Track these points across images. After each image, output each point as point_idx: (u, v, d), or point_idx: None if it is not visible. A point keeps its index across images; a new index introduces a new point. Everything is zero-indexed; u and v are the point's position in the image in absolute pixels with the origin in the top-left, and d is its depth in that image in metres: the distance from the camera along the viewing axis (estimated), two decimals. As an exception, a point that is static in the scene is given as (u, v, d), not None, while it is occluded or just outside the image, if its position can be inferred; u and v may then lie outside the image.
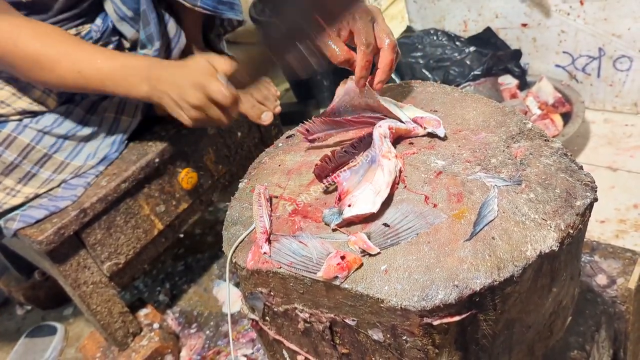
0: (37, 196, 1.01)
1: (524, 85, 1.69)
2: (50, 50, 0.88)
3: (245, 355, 1.18)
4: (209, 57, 0.89)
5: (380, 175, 0.64)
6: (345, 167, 0.70)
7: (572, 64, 1.65)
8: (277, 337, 0.74)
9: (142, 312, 1.27)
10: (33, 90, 0.97)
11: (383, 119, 0.75)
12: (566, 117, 1.55)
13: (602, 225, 1.27)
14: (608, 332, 0.97)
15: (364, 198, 0.62)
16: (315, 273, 0.59)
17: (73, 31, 1.01)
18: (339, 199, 0.65)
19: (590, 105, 1.68)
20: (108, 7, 1.03)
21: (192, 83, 0.85)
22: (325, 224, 0.65)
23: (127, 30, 1.04)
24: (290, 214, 0.69)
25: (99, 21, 1.04)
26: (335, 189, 0.68)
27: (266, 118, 1.11)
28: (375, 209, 0.61)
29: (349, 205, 0.61)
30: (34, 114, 0.99)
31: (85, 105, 1.04)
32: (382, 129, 0.71)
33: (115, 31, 1.05)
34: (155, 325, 1.24)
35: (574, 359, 0.85)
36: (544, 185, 0.62)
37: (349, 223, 0.63)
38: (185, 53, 1.14)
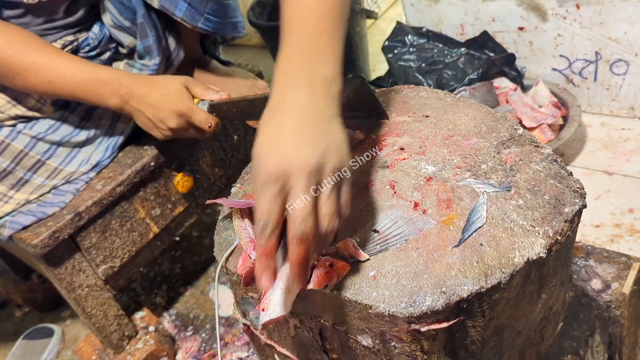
0: (27, 202, 1.01)
1: (520, 88, 1.68)
2: (22, 58, 0.88)
3: (240, 358, 1.18)
4: (186, 81, 0.94)
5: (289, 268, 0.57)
6: None
7: (569, 68, 1.65)
8: (269, 341, 0.74)
9: (138, 315, 1.27)
10: (28, 98, 0.97)
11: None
12: (562, 120, 1.55)
13: (597, 229, 1.26)
14: (603, 336, 0.97)
15: (274, 300, 0.56)
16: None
17: (71, 37, 1.01)
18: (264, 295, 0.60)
19: (587, 109, 1.68)
20: (105, 17, 1.03)
21: (174, 110, 0.90)
22: (254, 326, 0.64)
23: (124, 37, 1.04)
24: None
25: (96, 29, 1.04)
26: None
27: None
28: (286, 311, 0.55)
29: (263, 310, 0.56)
30: (28, 120, 0.99)
31: (81, 112, 1.04)
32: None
33: (112, 39, 1.05)
34: (151, 328, 1.24)
35: (567, 363, 0.85)
36: (533, 191, 0.62)
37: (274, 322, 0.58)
38: (182, 61, 1.14)
